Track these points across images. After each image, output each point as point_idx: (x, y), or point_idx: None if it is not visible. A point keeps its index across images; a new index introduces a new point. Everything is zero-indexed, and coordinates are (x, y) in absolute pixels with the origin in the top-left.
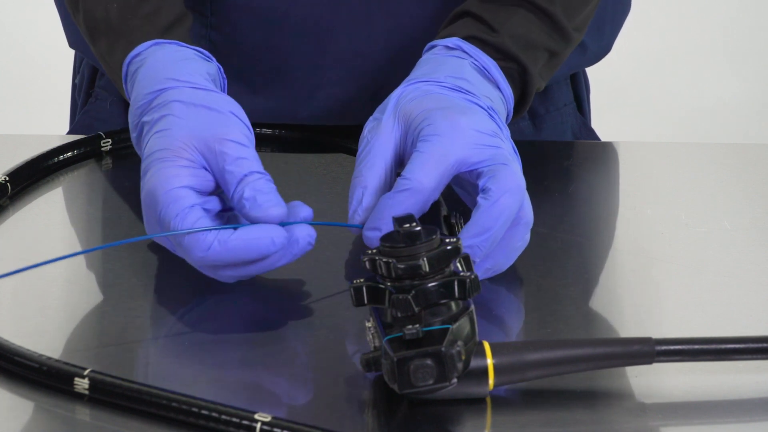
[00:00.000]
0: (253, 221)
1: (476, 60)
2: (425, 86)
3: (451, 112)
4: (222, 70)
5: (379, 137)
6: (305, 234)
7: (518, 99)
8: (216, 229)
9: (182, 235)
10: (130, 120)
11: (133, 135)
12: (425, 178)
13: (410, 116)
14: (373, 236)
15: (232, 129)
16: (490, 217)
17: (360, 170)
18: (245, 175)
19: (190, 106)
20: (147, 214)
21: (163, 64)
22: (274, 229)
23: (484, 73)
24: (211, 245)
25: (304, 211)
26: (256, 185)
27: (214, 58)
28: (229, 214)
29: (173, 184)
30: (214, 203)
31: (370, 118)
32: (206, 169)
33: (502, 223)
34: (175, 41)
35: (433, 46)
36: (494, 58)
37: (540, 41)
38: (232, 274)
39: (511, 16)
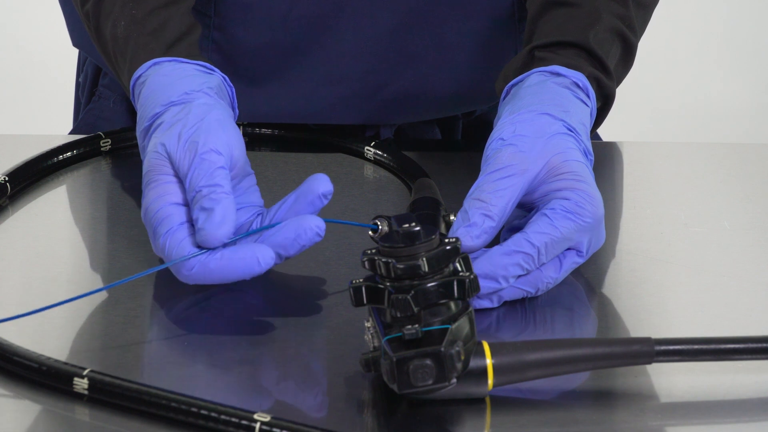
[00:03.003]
0: (202, 245)
1: (593, 109)
2: (574, 141)
3: (599, 204)
4: (227, 79)
5: (524, 174)
6: (314, 225)
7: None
8: (199, 254)
9: (171, 258)
10: (138, 142)
11: (142, 156)
12: (545, 253)
13: (558, 172)
14: (491, 287)
15: (192, 145)
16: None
17: (489, 196)
18: (194, 195)
19: (169, 126)
20: (147, 231)
21: (161, 86)
22: (262, 249)
23: (591, 118)
24: (195, 266)
25: (323, 186)
26: (202, 202)
27: (217, 70)
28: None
29: (162, 203)
30: None
31: (510, 135)
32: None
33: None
34: (175, 58)
35: (558, 74)
36: (597, 99)
37: (620, 80)
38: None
39: (614, 56)
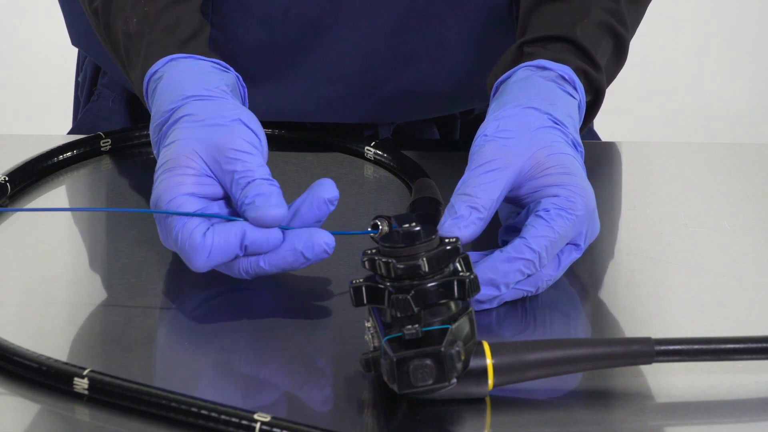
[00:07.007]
0: (254, 223)
1: (581, 102)
2: (560, 134)
3: (589, 195)
4: (240, 78)
5: (508, 168)
6: (322, 242)
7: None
8: (216, 216)
9: (182, 230)
10: (150, 137)
11: (154, 150)
12: (546, 256)
13: (545, 166)
14: (491, 294)
15: (236, 138)
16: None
17: (475, 189)
18: (248, 183)
19: (199, 119)
20: (157, 220)
21: (178, 81)
22: (271, 232)
23: (580, 111)
24: (212, 245)
25: (329, 191)
26: (259, 189)
27: (232, 69)
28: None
29: (177, 192)
30: (218, 208)
31: (494, 130)
32: (212, 177)
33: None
34: (191, 55)
35: (545, 68)
36: (586, 92)
37: (613, 75)
38: (242, 267)
39: (605, 50)
